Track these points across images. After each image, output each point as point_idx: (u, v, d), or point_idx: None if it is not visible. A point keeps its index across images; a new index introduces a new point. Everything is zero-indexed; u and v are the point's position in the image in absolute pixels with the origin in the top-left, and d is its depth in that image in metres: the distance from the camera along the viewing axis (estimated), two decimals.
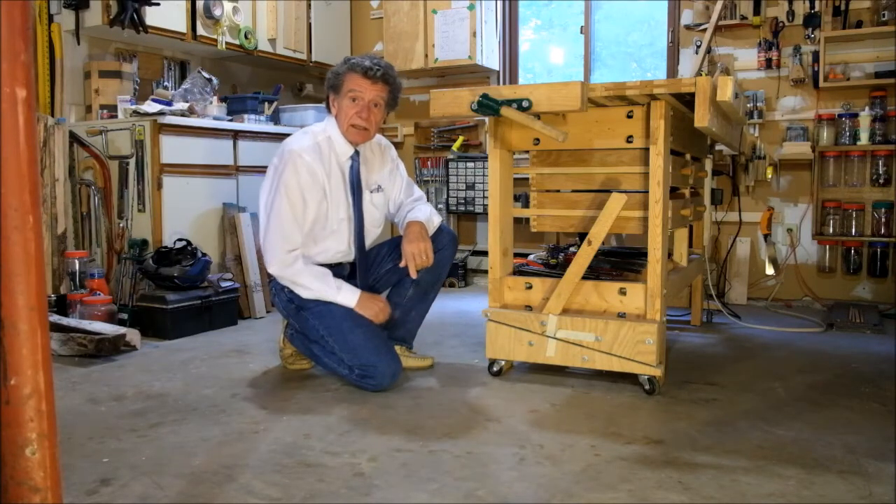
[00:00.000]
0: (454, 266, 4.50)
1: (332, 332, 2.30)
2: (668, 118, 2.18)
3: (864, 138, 3.61)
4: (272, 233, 2.32)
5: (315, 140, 2.36)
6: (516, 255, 2.59)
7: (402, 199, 2.56)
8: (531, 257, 2.75)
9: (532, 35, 4.96)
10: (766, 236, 3.88)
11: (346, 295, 2.33)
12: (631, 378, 2.28)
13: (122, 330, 2.78)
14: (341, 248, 2.43)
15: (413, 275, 2.35)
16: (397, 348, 2.48)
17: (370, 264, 2.53)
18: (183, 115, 3.42)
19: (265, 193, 2.39)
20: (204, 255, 3.25)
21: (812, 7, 3.71)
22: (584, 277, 2.30)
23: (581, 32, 4.53)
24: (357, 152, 2.43)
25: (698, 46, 3.94)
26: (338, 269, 2.44)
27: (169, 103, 3.49)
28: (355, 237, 2.44)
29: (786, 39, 3.84)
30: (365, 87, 2.33)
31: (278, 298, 2.44)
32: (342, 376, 2.33)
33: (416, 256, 2.33)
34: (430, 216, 2.48)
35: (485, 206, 4.36)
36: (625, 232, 2.32)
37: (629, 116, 2.25)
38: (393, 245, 2.52)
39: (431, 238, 2.46)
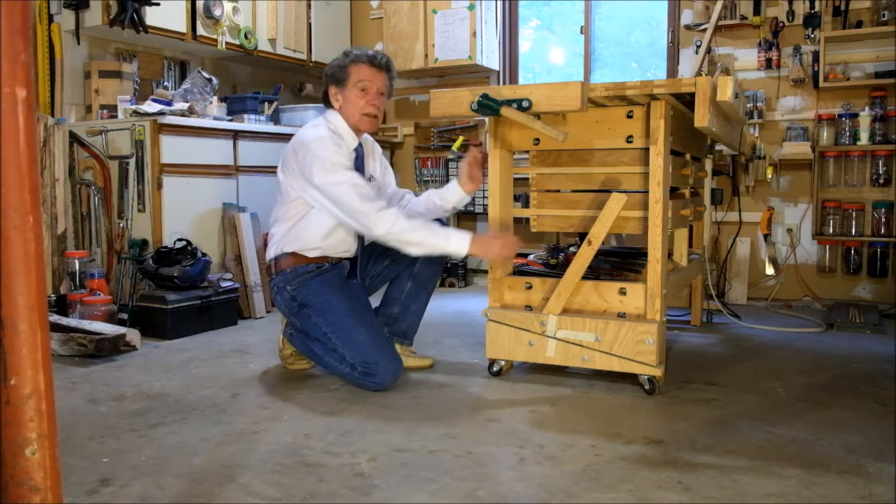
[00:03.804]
0: (454, 265, 4.50)
1: (335, 329, 2.30)
2: (668, 118, 2.18)
3: (864, 138, 3.61)
4: (354, 203, 2.22)
5: (328, 129, 2.37)
6: (516, 255, 2.59)
7: (392, 189, 2.66)
8: (531, 257, 2.75)
9: (532, 35, 4.96)
10: (766, 236, 3.88)
11: (457, 243, 2.20)
12: (631, 378, 2.28)
13: (122, 330, 2.77)
14: (349, 238, 2.44)
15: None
16: (397, 347, 2.48)
17: (366, 261, 2.53)
18: (183, 115, 3.42)
19: (314, 180, 2.26)
20: (204, 255, 3.25)
21: (812, 7, 3.71)
22: (584, 277, 2.30)
23: (581, 32, 4.53)
24: (360, 144, 2.48)
25: (698, 46, 3.94)
26: (339, 267, 2.44)
27: (169, 103, 3.49)
28: None
29: (786, 39, 3.84)
30: (373, 76, 2.39)
31: (280, 297, 2.43)
32: (343, 375, 2.32)
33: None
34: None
35: (485, 206, 4.35)
36: (625, 232, 2.32)
37: (629, 116, 2.25)
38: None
39: None
